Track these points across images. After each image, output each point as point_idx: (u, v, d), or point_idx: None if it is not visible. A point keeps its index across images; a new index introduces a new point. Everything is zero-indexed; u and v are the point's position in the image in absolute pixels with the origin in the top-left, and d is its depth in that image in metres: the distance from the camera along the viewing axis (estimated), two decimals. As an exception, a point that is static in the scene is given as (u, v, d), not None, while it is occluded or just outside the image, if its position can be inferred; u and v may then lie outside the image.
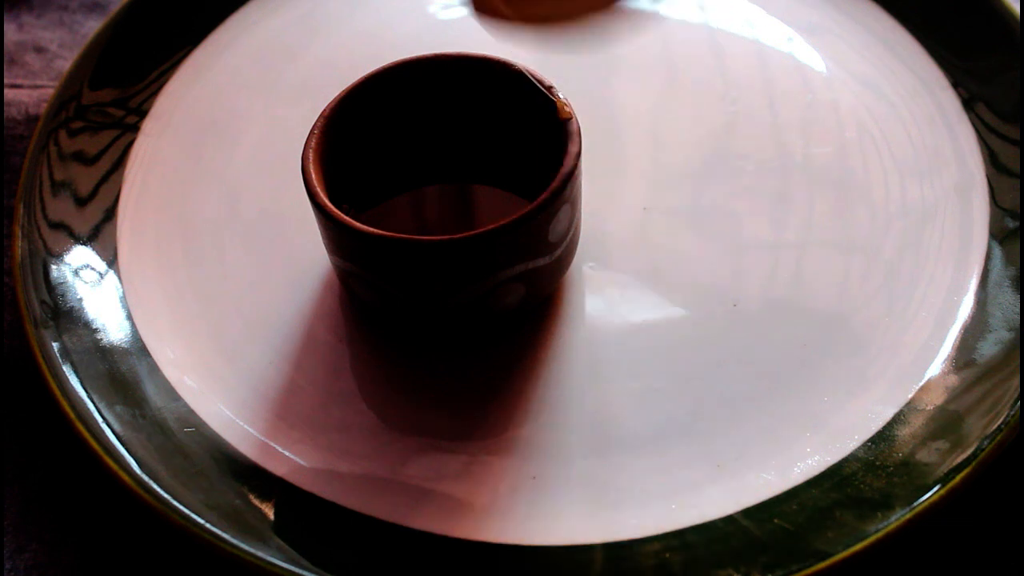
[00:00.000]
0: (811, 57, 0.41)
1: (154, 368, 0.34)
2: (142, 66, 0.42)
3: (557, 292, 0.35)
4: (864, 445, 0.31)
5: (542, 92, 0.33)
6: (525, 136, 0.34)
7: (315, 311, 0.36)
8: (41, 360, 0.33)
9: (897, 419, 0.31)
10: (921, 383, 0.32)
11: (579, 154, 0.31)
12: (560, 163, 0.31)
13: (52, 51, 0.46)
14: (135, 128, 0.41)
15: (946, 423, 0.31)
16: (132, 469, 0.31)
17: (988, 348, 0.32)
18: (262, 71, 0.43)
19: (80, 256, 0.37)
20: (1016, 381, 0.31)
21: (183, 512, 0.30)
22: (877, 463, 0.30)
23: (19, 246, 0.36)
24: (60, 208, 0.38)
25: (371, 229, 0.30)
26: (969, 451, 0.30)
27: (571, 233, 0.33)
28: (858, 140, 0.38)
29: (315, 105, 0.34)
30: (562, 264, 0.33)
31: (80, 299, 0.36)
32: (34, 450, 0.35)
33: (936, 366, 0.32)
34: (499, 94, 0.34)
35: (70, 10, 0.48)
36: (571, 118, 0.32)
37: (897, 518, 0.29)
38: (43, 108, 0.42)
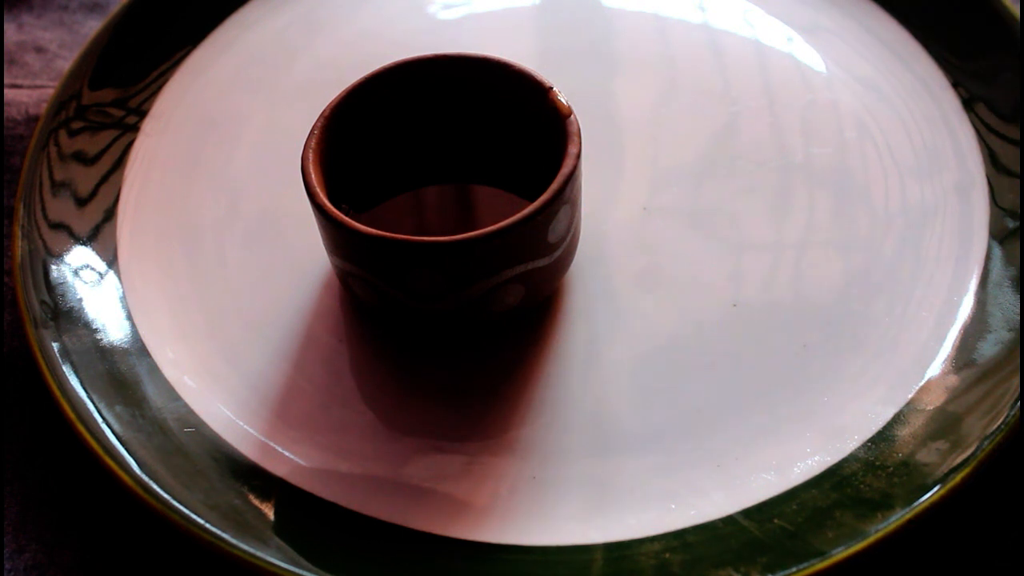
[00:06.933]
0: (811, 57, 0.41)
1: (154, 368, 0.34)
2: (142, 66, 0.42)
3: (557, 292, 0.35)
4: (864, 445, 0.31)
5: (542, 92, 0.33)
6: (525, 136, 0.34)
7: (315, 311, 0.36)
8: (41, 360, 0.33)
9: (897, 419, 0.31)
10: (921, 383, 0.32)
11: (579, 155, 0.31)
12: (560, 163, 0.31)
13: (52, 51, 0.46)
14: (135, 128, 0.41)
15: (946, 423, 0.31)
16: (132, 469, 0.31)
17: (988, 348, 0.32)
18: (262, 71, 0.43)
19: (80, 256, 0.37)
20: (1016, 381, 0.31)
21: (183, 512, 0.30)
22: (877, 463, 0.30)
23: (19, 246, 0.36)
24: (60, 208, 0.38)
25: (371, 229, 0.30)
26: (969, 451, 0.29)
27: (571, 233, 0.33)
28: (858, 140, 0.38)
29: (315, 105, 0.34)
30: (562, 264, 0.33)
31: (80, 299, 0.36)
32: (34, 450, 0.35)
33: (936, 366, 0.32)
34: (499, 94, 0.34)
35: (70, 10, 0.48)
36: (571, 118, 0.32)
37: (897, 518, 0.29)
38: (43, 108, 0.42)
